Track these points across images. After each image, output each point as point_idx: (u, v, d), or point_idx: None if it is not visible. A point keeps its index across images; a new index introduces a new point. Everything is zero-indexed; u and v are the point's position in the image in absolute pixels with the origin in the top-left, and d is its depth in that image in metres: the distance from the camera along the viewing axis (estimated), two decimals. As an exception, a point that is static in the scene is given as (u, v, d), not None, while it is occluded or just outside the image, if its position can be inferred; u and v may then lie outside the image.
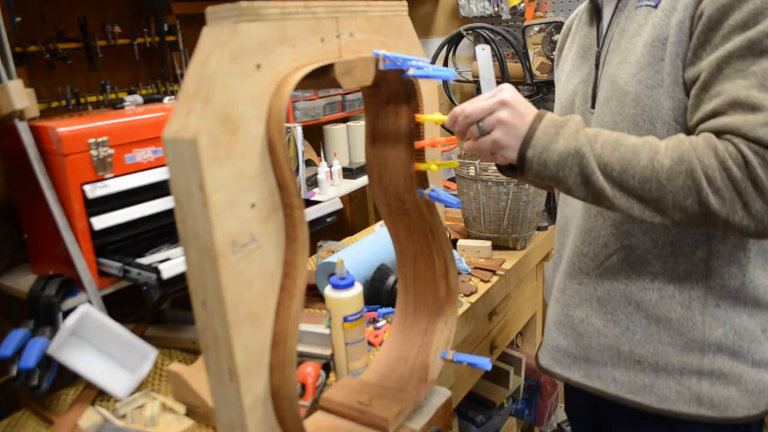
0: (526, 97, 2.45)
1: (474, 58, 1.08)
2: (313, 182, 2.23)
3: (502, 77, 2.37)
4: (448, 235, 0.87)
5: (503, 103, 0.83)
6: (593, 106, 0.96)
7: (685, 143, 0.77)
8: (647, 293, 0.93)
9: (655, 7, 0.87)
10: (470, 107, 0.85)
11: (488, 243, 1.64)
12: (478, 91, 0.97)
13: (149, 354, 1.12)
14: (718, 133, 0.77)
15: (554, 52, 2.25)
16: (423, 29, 2.73)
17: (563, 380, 1.05)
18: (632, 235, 0.93)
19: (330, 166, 2.31)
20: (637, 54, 0.87)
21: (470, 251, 1.64)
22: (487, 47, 1.04)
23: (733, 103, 0.76)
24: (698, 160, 0.75)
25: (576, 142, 0.80)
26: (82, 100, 1.73)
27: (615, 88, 0.90)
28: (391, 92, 0.79)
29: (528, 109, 0.84)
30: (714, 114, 0.78)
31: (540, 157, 0.81)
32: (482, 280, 1.51)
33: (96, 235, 1.22)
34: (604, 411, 1.06)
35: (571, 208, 1.04)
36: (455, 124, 0.87)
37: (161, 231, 1.35)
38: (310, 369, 1.04)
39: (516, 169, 0.85)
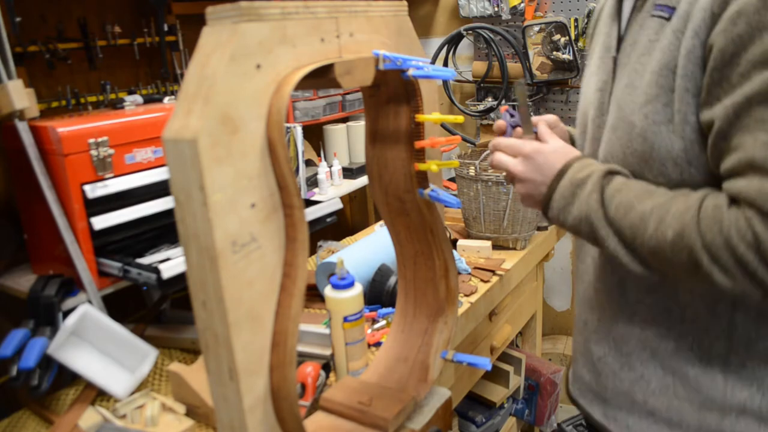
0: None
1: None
2: (313, 182, 2.23)
3: (502, 77, 2.37)
4: (448, 235, 0.87)
5: (526, 156, 0.86)
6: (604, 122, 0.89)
7: (689, 212, 0.71)
8: (663, 341, 0.84)
9: (668, 19, 0.77)
10: (496, 158, 0.90)
11: (488, 243, 1.64)
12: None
13: (149, 354, 1.12)
14: (734, 199, 0.69)
15: (555, 52, 2.25)
16: (423, 29, 2.73)
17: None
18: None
19: (330, 166, 2.31)
20: (644, 81, 0.78)
21: (470, 251, 1.64)
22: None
23: (750, 165, 0.67)
24: (700, 236, 0.69)
25: (587, 207, 0.79)
26: (82, 100, 1.73)
27: (621, 116, 0.82)
28: (391, 92, 0.79)
29: (550, 169, 0.84)
30: (732, 173, 0.70)
31: (558, 218, 0.84)
32: (482, 280, 1.51)
33: (96, 235, 1.22)
34: None
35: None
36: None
37: (161, 231, 1.35)
38: (310, 369, 1.04)
39: None
